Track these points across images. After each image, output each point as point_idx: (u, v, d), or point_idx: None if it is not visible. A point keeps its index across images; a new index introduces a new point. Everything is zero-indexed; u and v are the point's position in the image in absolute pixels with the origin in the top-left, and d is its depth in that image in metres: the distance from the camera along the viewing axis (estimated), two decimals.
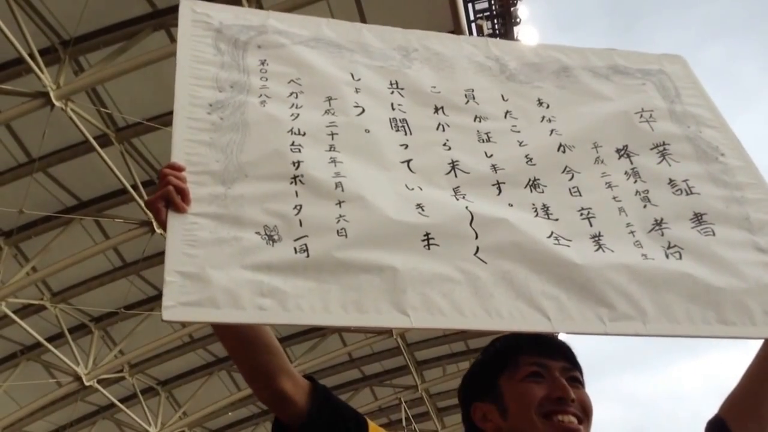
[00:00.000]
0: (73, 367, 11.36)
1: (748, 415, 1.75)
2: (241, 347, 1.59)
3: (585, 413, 1.58)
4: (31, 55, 7.79)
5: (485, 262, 1.66)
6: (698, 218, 1.89)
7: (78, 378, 11.44)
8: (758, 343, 1.79)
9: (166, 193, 1.57)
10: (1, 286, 9.97)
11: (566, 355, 1.66)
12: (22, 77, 8.24)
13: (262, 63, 1.97)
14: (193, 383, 14.13)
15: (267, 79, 1.94)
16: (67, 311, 11.42)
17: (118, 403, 12.86)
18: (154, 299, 11.95)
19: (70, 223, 10.10)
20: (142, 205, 9.75)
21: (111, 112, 9.16)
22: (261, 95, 1.89)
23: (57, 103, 8.09)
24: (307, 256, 1.57)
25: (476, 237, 1.70)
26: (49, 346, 11.09)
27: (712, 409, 1.79)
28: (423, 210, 1.72)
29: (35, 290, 10.97)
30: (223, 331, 1.60)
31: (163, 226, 1.55)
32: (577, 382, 1.63)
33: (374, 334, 13.98)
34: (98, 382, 11.83)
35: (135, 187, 9.64)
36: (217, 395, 14.16)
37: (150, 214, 9.71)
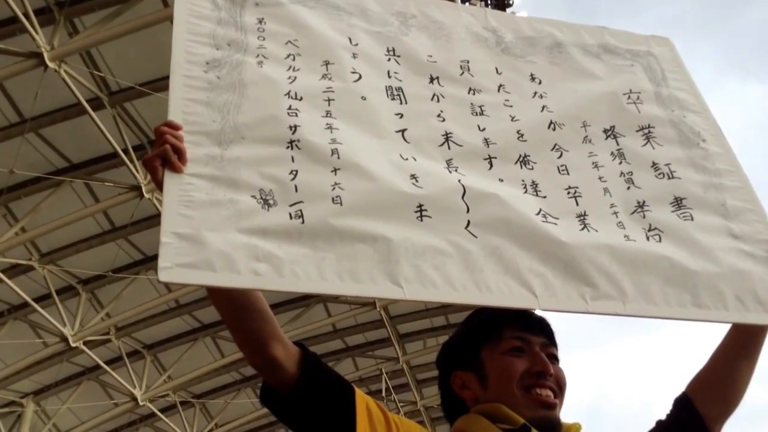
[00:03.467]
0: (60, 328, 11.35)
1: (714, 394, 1.79)
2: (234, 312, 1.57)
3: (560, 388, 1.65)
4: (26, 15, 7.71)
5: (475, 237, 1.65)
6: (678, 202, 1.90)
7: (64, 339, 11.45)
8: (727, 325, 1.82)
9: (163, 152, 1.52)
10: None
11: (546, 330, 1.72)
12: (16, 37, 8.15)
13: (260, 21, 1.91)
14: (178, 348, 14.15)
15: (264, 39, 1.88)
16: (55, 272, 11.41)
17: (104, 365, 12.86)
18: (142, 263, 11.98)
19: (60, 185, 10.05)
20: (133, 169, 9.79)
21: (104, 76, 9.10)
22: (258, 55, 1.83)
23: (50, 65, 8.01)
24: (302, 222, 1.54)
25: (467, 210, 1.69)
26: (37, 306, 11.06)
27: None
28: (417, 181, 1.70)
29: (24, 250, 10.94)
30: (218, 295, 1.57)
31: (159, 186, 1.52)
32: (554, 357, 1.69)
33: (359, 306, 14.07)
34: (84, 343, 11.83)
35: (126, 151, 9.59)
36: (202, 360, 14.21)
37: (140, 179, 9.82)
